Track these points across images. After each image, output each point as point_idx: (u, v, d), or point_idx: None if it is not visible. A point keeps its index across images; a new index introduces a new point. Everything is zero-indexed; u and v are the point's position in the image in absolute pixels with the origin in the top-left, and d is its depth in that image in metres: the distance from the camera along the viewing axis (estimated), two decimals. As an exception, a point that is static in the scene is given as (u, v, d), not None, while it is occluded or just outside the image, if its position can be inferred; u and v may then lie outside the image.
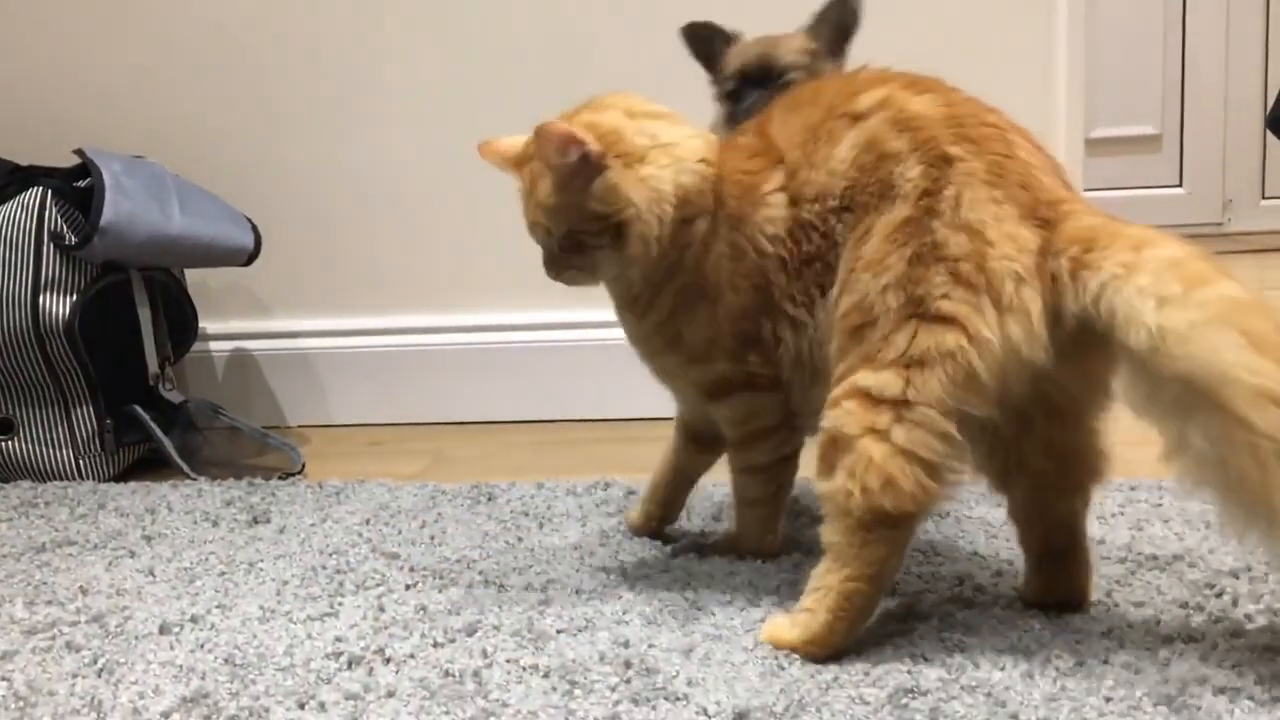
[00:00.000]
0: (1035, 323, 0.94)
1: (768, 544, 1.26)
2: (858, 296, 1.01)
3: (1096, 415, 1.05)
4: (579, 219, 1.12)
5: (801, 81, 1.33)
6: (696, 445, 1.32)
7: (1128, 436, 1.72)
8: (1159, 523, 1.32)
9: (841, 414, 0.99)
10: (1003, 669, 0.99)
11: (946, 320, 0.95)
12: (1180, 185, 4.11)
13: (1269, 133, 3.15)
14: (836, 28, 1.42)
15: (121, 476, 1.82)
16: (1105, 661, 0.99)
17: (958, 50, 1.89)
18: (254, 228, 1.92)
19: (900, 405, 0.96)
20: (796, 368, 1.13)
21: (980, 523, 1.36)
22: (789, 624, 1.04)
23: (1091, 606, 1.11)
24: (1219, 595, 1.11)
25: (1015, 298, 0.94)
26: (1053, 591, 1.11)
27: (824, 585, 1.01)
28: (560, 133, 1.08)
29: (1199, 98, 4.07)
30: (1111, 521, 1.33)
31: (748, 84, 1.40)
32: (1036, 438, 1.04)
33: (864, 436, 0.97)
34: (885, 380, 0.97)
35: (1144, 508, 1.37)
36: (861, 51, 1.84)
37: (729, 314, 1.14)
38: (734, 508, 1.29)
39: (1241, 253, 3.69)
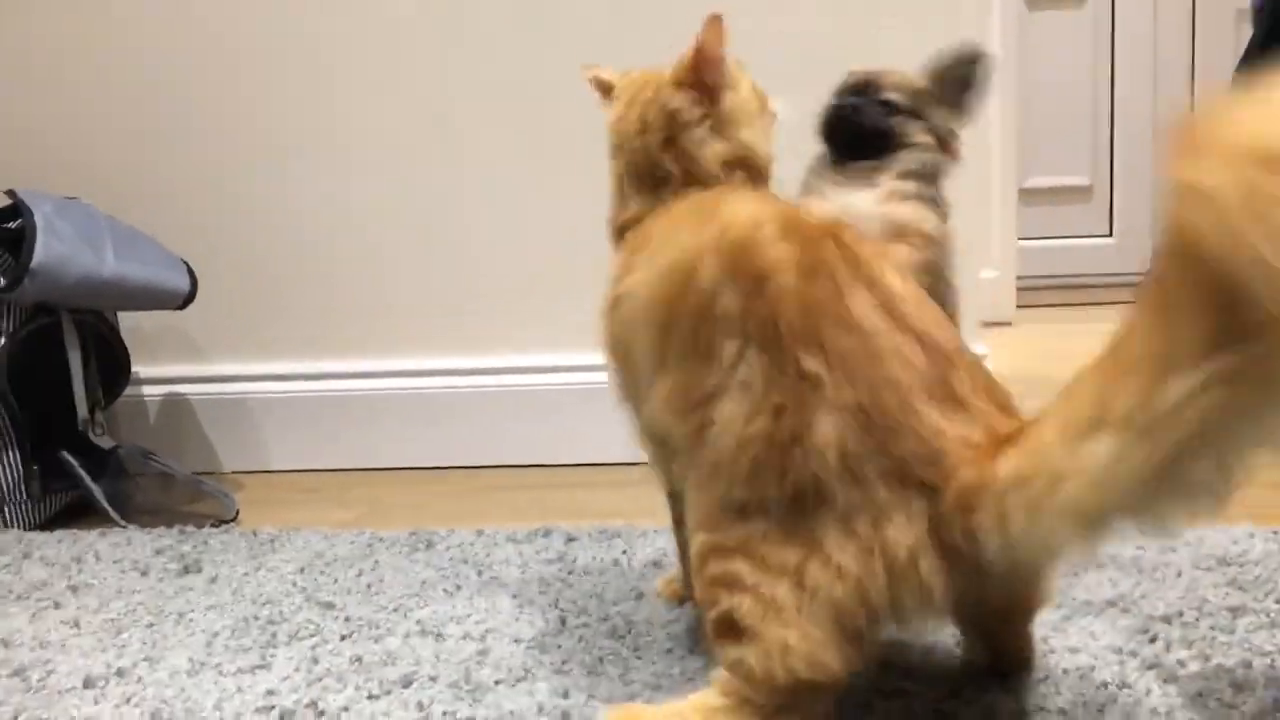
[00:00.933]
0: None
1: None
2: None
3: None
4: None
5: (901, 120, 1.29)
6: None
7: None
8: (1093, 568, 1.33)
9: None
10: (942, 716, 0.99)
11: None
12: (1110, 235, 4.21)
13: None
14: (957, 79, 1.37)
15: (48, 524, 1.77)
16: (1042, 708, 1.00)
17: (894, 102, 1.92)
18: (190, 270, 1.89)
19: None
20: None
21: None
22: None
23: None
24: (1152, 641, 1.13)
25: None
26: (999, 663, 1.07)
27: None
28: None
29: (1128, 150, 4.19)
30: (1047, 567, 1.34)
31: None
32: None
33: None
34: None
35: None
36: (802, 103, 1.88)
37: None
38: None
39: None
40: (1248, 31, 2.97)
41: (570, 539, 1.52)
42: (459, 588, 1.37)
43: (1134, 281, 4.28)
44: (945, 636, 1.16)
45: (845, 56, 1.93)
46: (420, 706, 1.04)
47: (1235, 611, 1.19)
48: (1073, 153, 4.18)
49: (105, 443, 1.83)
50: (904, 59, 1.95)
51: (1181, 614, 1.18)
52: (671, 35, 1.95)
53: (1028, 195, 3.90)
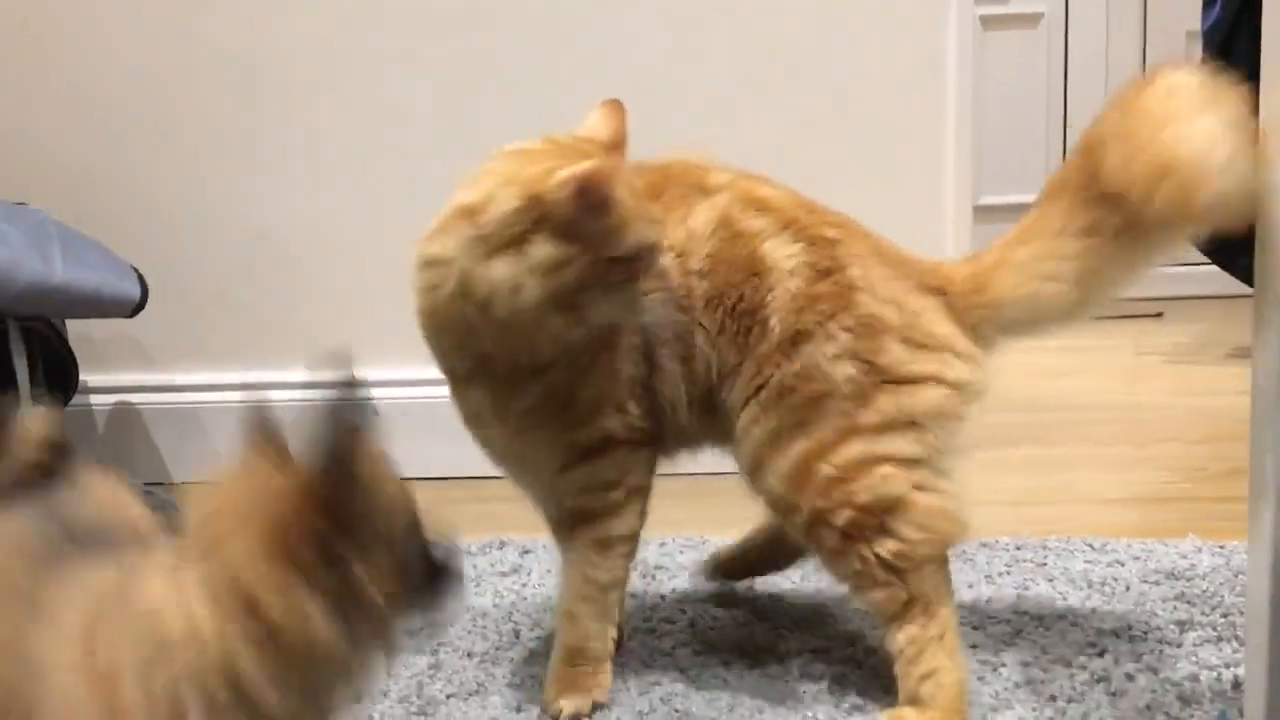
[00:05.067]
0: (982, 362, 1.10)
1: (611, 651, 1.11)
2: (800, 366, 1.05)
3: None
4: None
5: None
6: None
7: (1011, 496, 1.77)
8: (1044, 582, 1.35)
9: (878, 481, 1.03)
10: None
11: (919, 381, 1.05)
12: (1063, 252, 4.26)
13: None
14: None
15: (-9, 535, 1.74)
16: (993, 722, 1.01)
17: (851, 121, 1.94)
18: (140, 278, 1.86)
19: (923, 462, 1.05)
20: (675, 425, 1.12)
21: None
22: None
23: (980, 666, 1.12)
24: (1101, 654, 1.14)
25: (966, 346, 1.09)
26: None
27: (927, 641, 1.02)
28: None
29: (1080, 168, 4.24)
30: (998, 581, 1.36)
31: None
32: None
33: (914, 492, 1.03)
34: (899, 444, 1.04)
35: (1029, 567, 1.40)
36: (757, 121, 1.89)
37: (620, 362, 1.09)
38: (576, 607, 1.10)
39: (1119, 318, 3.83)
40: (1198, 52, 3.02)
41: (525, 551, 1.51)
42: (412, 601, 1.36)
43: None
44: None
45: (799, 79, 1.94)
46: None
47: (1183, 625, 1.20)
48: (1027, 170, 4.23)
49: (52, 452, 1.80)
50: (861, 82, 1.96)
51: (1130, 628, 1.20)
52: (660, 40, 1.96)
53: (982, 212, 3.94)
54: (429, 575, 0.73)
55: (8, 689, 0.65)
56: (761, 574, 1.34)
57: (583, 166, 0.98)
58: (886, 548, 1.02)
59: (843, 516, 1.02)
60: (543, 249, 0.98)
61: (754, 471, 1.07)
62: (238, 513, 0.68)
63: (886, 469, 1.02)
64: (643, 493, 1.13)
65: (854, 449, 1.03)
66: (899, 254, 1.15)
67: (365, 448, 0.69)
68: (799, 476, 1.03)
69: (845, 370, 1.04)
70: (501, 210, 0.99)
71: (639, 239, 1.01)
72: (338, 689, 0.68)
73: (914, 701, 1.01)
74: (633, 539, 1.13)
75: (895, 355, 1.05)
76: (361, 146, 2.02)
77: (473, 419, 1.12)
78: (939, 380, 1.06)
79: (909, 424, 1.04)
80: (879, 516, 1.02)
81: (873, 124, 1.94)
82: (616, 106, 1.10)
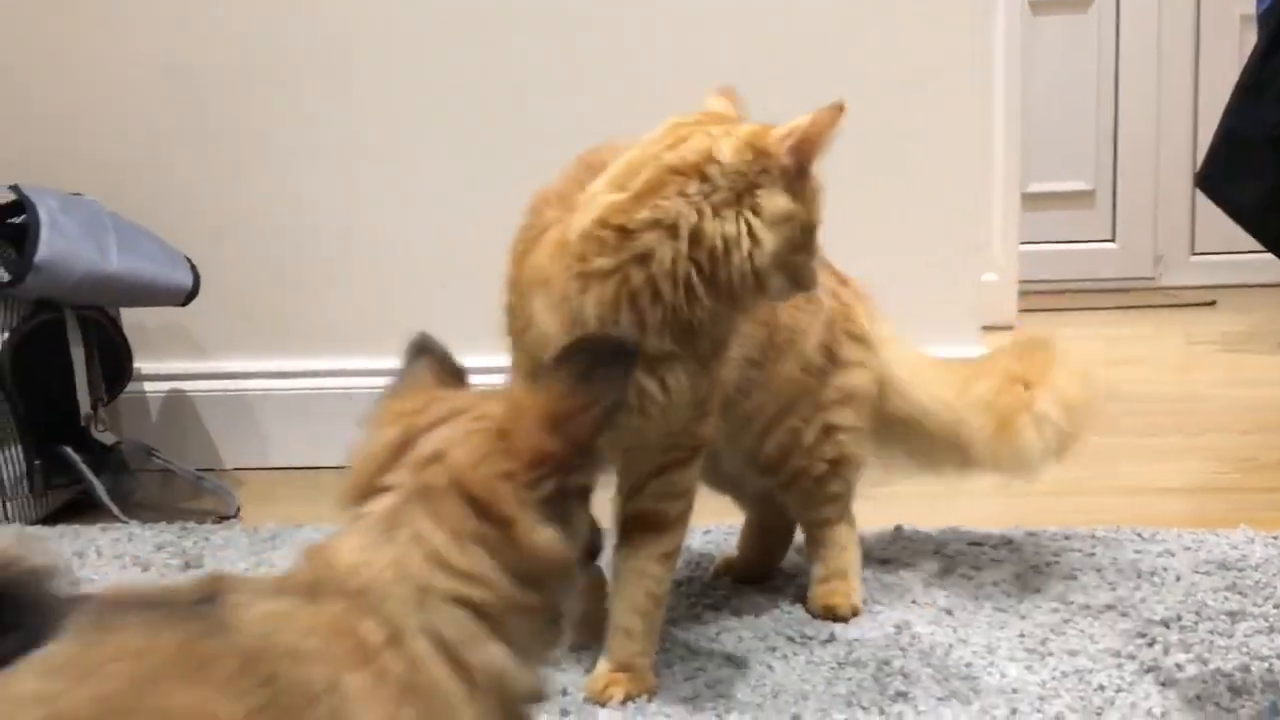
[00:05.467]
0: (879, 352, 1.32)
1: (654, 660, 1.11)
2: (796, 358, 1.23)
3: None
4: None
5: None
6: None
7: (1059, 486, 1.75)
8: (1092, 572, 1.34)
9: (838, 444, 1.27)
10: (941, 718, 0.99)
11: (853, 365, 1.28)
12: (1113, 240, 4.21)
13: (1199, 191, 3.25)
14: None
15: (49, 519, 1.77)
16: (1039, 710, 1.00)
17: (897, 109, 1.93)
18: (193, 267, 1.89)
19: (857, 429, 1.28)
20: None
21: (917, 571, 1.37)
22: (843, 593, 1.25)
23: (1027, 655, 1.12)
24: (1150, 644, 1.13)
25: (876, 338, 1.32)
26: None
27: (850, 537, 1.29)
28: None
29: (1131, 155, 4.19)
30: (1045, 570, 1.35)
31: None
32: None
33: (853, 449, 1.29)
34: (846, 414, 1.27)
35: (1077, 557, 1.39)
36: (801, 106, 1.88)
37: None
38: (633, 623, 1.08)
39: (1171, 306, 3.78)
40: (1252, 37, 2.97)
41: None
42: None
43: (1137, 287, 4.27)
44: (944, 639, 1.16)
45: (848, 62, 1.93)
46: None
47: (1234, 616, 1.19)
48: (1076, 158, 4.18)
49: (107, 439, 1.83)
50: (907, 66, 1.95)
51: (1180, 618, 1.19)
52: (674, 37, 1.96)
53: (1030, 200, 3.90)
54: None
55: None
56: (763, 569, 1.38)
57: (801, 123, 1.01)
58: (837, 486, 1.28)
59: (818, 469, 1.26)
60: (775, 200, 1.00)
61: (751, 449, 1.23)
62: (478, 437, 0.70)
63: (841, 435, 1.27)
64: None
65: (823, 418, 1.25)
66: None
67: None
68: (789, 444, 1.24)
69: (819, 358, 1.24)
70: (731, 163, 0.99)
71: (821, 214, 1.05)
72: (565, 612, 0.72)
73: (840, 576, 1.27)
74: (681, 548, 1.16)
75: (843, 344, 1.27)
76: (407, 141, 2.04)
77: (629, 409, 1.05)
78: (864, 365, 1.28)
79: (850, 399, 1.27)
80: (837, 467, 1.27)
81: (919, 109, 1.93)
82: (729, 93, 1.12)
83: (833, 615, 1.23)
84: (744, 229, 0.99)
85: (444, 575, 0.67)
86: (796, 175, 1.01)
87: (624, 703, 1.04)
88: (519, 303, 1.08)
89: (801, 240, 1.02)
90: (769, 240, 0.99)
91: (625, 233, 0.99)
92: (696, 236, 0.98)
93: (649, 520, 1.10)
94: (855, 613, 1.24)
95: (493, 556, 0.68)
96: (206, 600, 0.64)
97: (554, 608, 0.71)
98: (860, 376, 1.28)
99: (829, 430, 1.26)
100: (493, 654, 0.67)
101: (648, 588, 1.09)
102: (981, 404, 1.32)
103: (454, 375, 0.79)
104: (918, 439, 1.34)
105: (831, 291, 1.26)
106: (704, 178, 0.99)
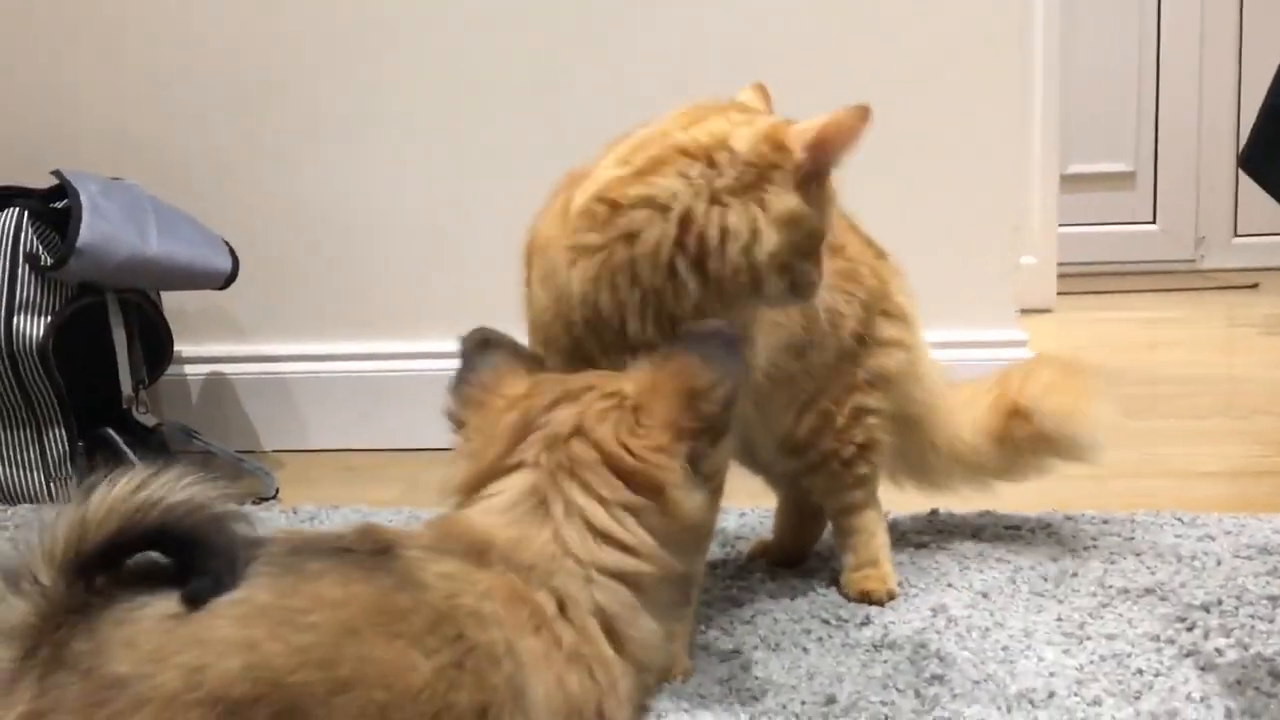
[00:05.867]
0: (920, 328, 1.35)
1: (689, 641, 1.11)
2: (833, 340, 1.22)
3: None
4: None
5: None
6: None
7: (1099, 469, 1.74)
8: (1131, 556, 1.33)
9: (868, 427, 1.26)
10: (977, 701, 0.99)
11: (890, 345, 1.28)
12: (1154, 222, 4.15)
13: (1241, 171, 3.20)
14: None
15: (93, 500, 1.80)
16: (1076, 694, 1.00)
17: (934, 88, 1.91)
18: (232, 251, 1.91)
19: (886, 412, 1.28)
20: None
21: (953, 554, 1.36)
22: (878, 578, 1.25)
23: (1064, 639, 1.11)
24: (1190, 629, 1.12)
25: (915, 314, 1.32)
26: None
27: (878, 522, 1.29)
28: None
29: (1173, 135, 4.13)
30: (1084, 554, 1.34)
31: None
32: None
33: (882, 434, 1.28)
34: (876, 397, 1.26)
35: (1116, 541, 1.38)
36: (837, 90, 1.87)
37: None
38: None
39: (1213, 289, 3.73)
40: (1297, 15, 2.92)
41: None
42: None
43: (1178, 269, 4.23)
44: (981, 622, 1.16)
45: (886, 43, 1.92)
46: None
47: (1275, 601, 1.18)
48: (1116, 139, 4.13)
49: (148, 421, 1.86)
50: (945, 44, 1.93)
51: (1220, 602, 1.18)
52: (714, 18, 1.95)
53: (1070, 182, 3.85)
54: None
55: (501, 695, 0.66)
56: (798, 553, 1.37)
57: (824, 120, 0.96)
58: (864, 469, 1.27)
59: (847, 452, 1.25)
60: (784, 199, 0.95)
61: (785, 433, 1.23)
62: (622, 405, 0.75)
63: (870, 419, 1.26)
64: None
65: (854, 401, 1.24)
66: (852, 221, 1.26)
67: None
68: (821, 426, 1.24)
69: (853, 343, 1.23)
70: (744, 152, 0.95)
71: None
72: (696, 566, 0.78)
73: (872, 562, 1.26)
74: (713, 531, 1.11)
75: (878, 324, 1.25)
76: (445, 126, 2.04)
77: None
78: (900, 344, 1.27)
79: (882, 381, 1.26)
80: (865, 450, 1.26)
81: (956, 88, 1.91)
82: (762, 89, 1.10)
83: (869, 600, 1.23)
84: (745, 222, 0.94)
85: (606, 548, 0.71)
86: (811, 176, 0.95)
87: (659, 684, 1.04)
88: (525, 272, 1.07)
89: (806, 246, 0.97)
90: (770, 239, 0.94)
91: (616, 208, 0.96)
92: (687, 220, 0.94)
93: None
94: (892, 596, 1.23)
95: (646, 526, 0.72)
96: (382, 553, 0.66)
97: (689, 576, 0.74)
98: (895, 357, 1.26)
99: (859, 413, 1.25)
100: (646, 627, 0.71)
101: None
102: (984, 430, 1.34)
103: (534, 361, 0.83)
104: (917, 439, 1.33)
105: (870, 268, 1.25)
106: (711, 162, 0.94)
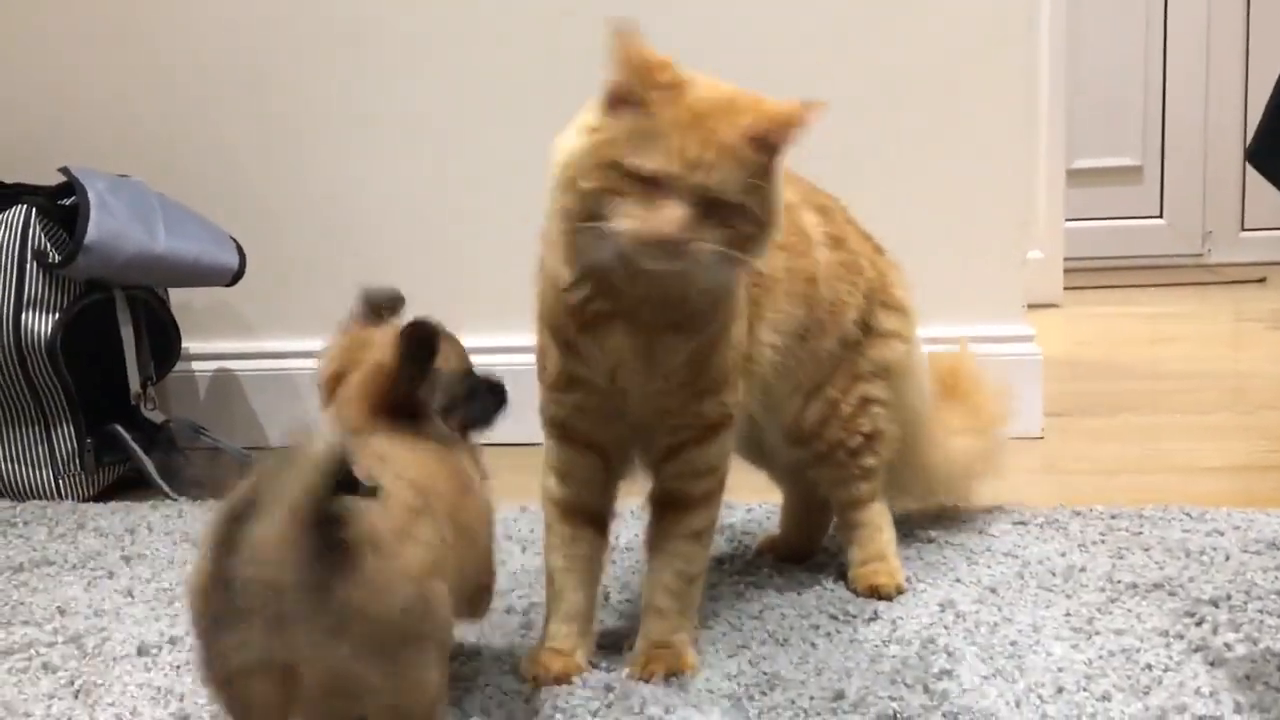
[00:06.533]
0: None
1: (694, 638, 1.10)
2: (838, 332, 1.24)
3: None
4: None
5: None
6: (596, 528, 1.12)
7: (1107, 464, 1.74)
8: (1139, 551, 1.32)
9: (873, 417, 1.27)
10: (985, 696, 0.99)
11: (889, 337, 1.30)
12: (1161, 216, 4.15)
13: (1248, 165, 3.19)
14: None
15: (101, 496, 1.80)
16: (1085, 689, 1.00)
17: (941, 84, 1.91)
18: (239, 248, 1.91)
19: (889, 403, 1.29)
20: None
21: (961, 549, 1.36)
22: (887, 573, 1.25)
23: (1073, 634, 1.11)
24: (1199, 624, 1.12)
25: (912, 307, 1.35)
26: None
27: (884, 515, 1.29)
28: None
29: (1180, 130, 4.12)
30: (1092, 549, 1.34)
31: None
32: None
33: (888, 424, 1.28)
34: (879, 388, 1.27)
35: (1124, 536, 1.38)
36: (844, 87, 1.86)
37: (740, 337, 1.08)
38: (664, 603, 1.08)
39: (1220, 284, 3.72)
40: (1305, 9, 2.91)
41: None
42: (503, 562, 1.38)
43: (1185, 264, 4.23)
44: (989, 617, 1.16)
45: (893, 38, 1.91)
46: (466, 679, 1.06)
47: (1284, 596, 1.17)
48: (1123, 133, 4.12)
49: (156, 417, 1.86)
50: (951, 40, 1.93)
51: (1229, 597, 1.18)
52: (722, 11, 1.94)
53: (1076, 177, 3.84)
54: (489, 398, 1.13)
55: None
56: (806, 549, 1.37)
57: (792, 103, 0.97)
58: (871, 460, 1.27)
59: (854, 442, 1.25)
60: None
61: (790, 422, 1.23)
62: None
63: (876, 408, 1.27)
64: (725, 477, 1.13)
65: (860, 390, 1.25)
66: (850, 215, 1.30)
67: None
68: (827, 414, 1.24)
69: (856, 331, 1.24)
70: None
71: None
72: None
73: (880, 557, 1.27)
74: (715, 526, 1.13)
75: (879, 315, 1.27)
76: (453, 124, 2.04)
77: (611, 373, 1.04)
78: (899, 336, 1.28)
79: (884, 372, 1.27)
80: (871, 441, 1.26)
81: (963, 85, 1.91)
82: None
83: (877, 594, 1.23)
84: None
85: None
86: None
87: (666, 679, 1.04)
88: None
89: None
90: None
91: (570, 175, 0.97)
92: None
93: (674, 499, 1.09)
94: (900, 591, 1.23)
95: None
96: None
97: None
98: (895, 349, 1.28)
99: (865, 403, 1.26)
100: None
101: (677, 567, 1.08)
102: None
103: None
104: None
105: (870, 260, 1.27)
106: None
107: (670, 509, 1.09)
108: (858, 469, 1.26)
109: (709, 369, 1.05)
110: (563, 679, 1.04)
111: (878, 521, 1.28)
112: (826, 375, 1.23)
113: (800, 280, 1.17)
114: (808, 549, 1.37)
